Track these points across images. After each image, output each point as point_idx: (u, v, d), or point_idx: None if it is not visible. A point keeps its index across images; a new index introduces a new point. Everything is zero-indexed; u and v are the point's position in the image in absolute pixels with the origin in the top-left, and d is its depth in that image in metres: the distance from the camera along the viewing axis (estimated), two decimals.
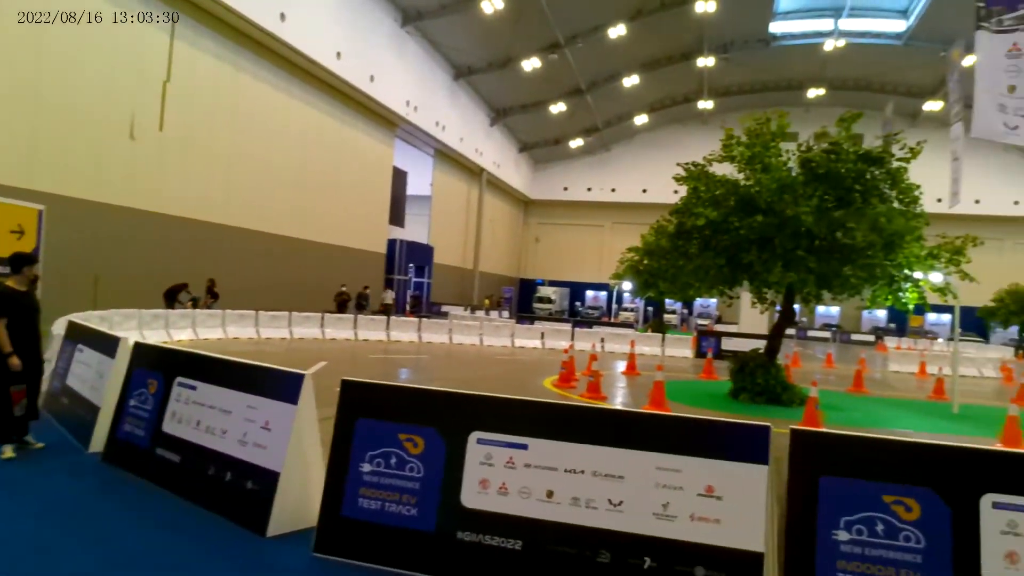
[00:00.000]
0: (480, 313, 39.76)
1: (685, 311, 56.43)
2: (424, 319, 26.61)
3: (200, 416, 5.47)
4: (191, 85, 22.76)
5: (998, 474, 3.41)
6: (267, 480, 4.80)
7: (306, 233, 29.89)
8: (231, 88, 25.08)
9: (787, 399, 13.37)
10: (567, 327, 28.99)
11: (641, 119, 53.68)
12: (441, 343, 24.07)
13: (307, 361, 6.05)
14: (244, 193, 25.88)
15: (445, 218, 46.26)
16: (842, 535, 3.46)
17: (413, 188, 43.31)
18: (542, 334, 26.24)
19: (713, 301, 51.41)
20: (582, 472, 4.07)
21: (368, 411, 4.65)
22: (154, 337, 16.20)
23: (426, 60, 39.15)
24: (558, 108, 48.42)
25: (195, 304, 20.50)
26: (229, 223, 25.09)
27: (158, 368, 6.10)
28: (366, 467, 4.48)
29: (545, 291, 57.04)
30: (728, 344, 24.16)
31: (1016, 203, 51.59)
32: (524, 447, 4.24)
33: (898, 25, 42.48)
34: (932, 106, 46.55)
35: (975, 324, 45.38)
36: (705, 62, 44.82)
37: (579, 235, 62.20)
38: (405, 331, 24.42)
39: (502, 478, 4.24)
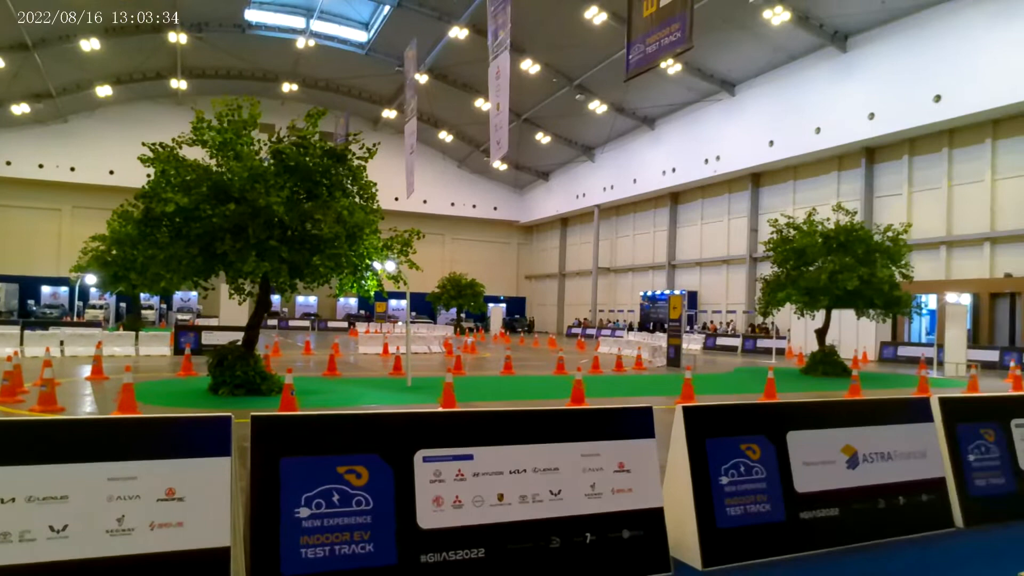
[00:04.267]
0: None
1: (164, 306, 52.49)
2: None
3: None
4: None
5: (427, 432, 4.05)
6: None
7: None
8: None
9: (266, 388, 13.56)
10: (15, 330, 24.12)
11: (105, 90, 47.45)
12: None
13: None
14: None
15: None
16: (303, 511, 3.65)
17: None
18: None
19: (194, 294, 49.06)
20: (12, 500, 3.42)
21: None
22: None
23: None
24: None
25: None
26: None
27: None
28: None
29: None
30: (209, 338, 23.40)
31: (452, 204, 61.94)
32: None
33: (361, 36, 46.67)
34: (389, 114, 52.52)
35: (426, 308, 53.20)
36: (178, 38, 42.10)
37: (30, 220, 51.73)
38: None
39: None
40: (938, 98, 29.44)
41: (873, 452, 5.63)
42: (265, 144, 13.68)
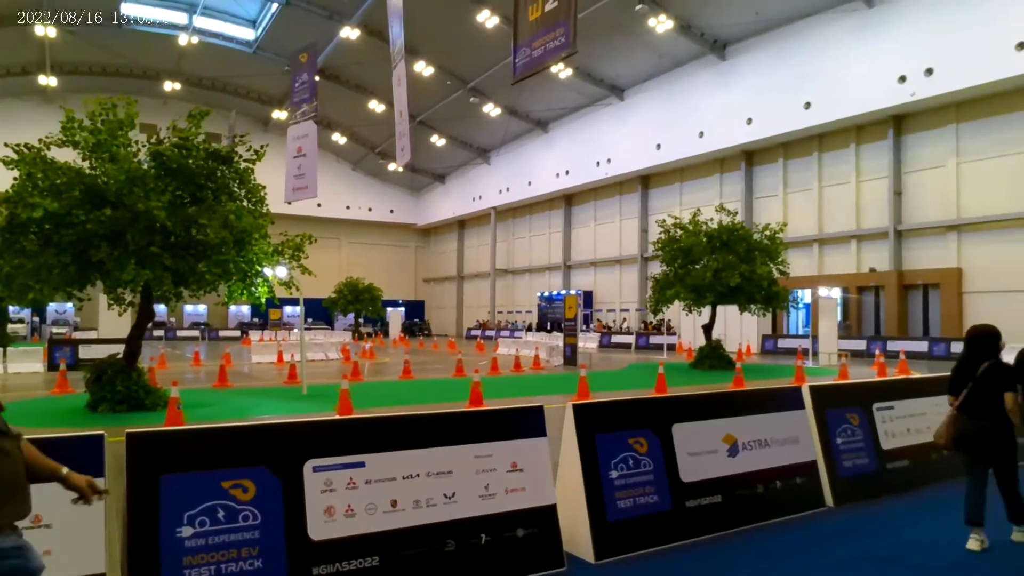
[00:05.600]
0: None
1: (36, 319, 48.76)
2: None
3: None
4: None
5: (316, 441, 3.97)
6: None
7: None
8: None
9: (151, 403, 12.89)
10: None
11: None
12: None
13: None
14: None
15: None
16: (186, 531, 3.50)
17: None
18: None
19: (70, 306, 45.95)
20: None
21: None
22: None
23: None
24: None
25: None
26: None
27: None
28: None
29: None
30: (87, 352, 21.92)
31: (348, 207, 60.66)
32: None
33: (248, 33, 45.03)
34: (280, 114, 50.90)
35: (323, 313, 51.92)
36: (45, 31, 39.15)
37: None
38: None
39: None
40: (808, 105, 31.45)
41: (752, 440, 5.97)
42: (144, 145, 13.00)
